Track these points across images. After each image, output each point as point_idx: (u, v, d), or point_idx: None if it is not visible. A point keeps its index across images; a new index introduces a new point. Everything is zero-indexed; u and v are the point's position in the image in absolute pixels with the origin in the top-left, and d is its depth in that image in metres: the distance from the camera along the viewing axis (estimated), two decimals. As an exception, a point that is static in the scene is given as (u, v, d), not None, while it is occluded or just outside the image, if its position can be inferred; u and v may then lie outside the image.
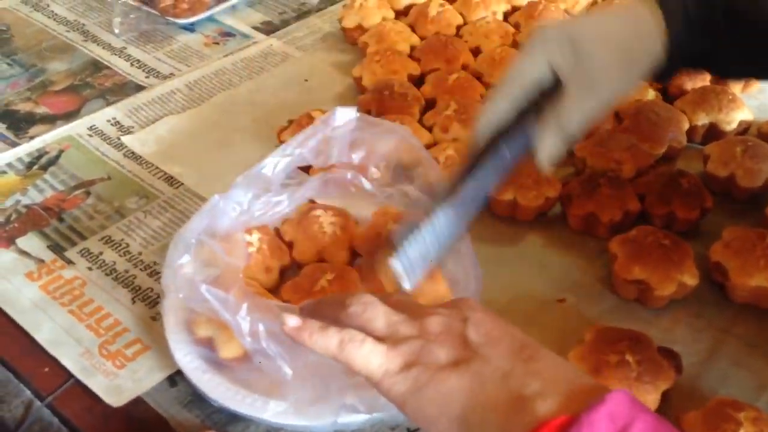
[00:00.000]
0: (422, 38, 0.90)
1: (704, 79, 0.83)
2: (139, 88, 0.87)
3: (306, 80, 0.88)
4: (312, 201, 0.66)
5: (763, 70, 0.61)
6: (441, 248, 0.49)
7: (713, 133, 0.77)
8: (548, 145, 0.53)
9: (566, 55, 0.53)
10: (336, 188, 0.65)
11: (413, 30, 0.92)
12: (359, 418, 0.50)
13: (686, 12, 0.55)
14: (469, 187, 0.51)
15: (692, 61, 0.59)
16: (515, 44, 0.89)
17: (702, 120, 0.77)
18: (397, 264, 0.47)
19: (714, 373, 0.57)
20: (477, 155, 0.53)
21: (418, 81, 0.85)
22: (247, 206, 0.62)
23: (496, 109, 0.54)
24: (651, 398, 0.51)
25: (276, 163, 0.62)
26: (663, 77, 0.58)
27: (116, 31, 0.96)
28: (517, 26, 0.92)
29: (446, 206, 0.50)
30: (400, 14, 0.96)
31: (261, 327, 0.48)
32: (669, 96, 0.82)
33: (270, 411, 0.51)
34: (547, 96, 0.54)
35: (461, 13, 0.94)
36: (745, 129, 0.78)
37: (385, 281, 0.49)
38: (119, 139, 0.79)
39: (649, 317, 0.61)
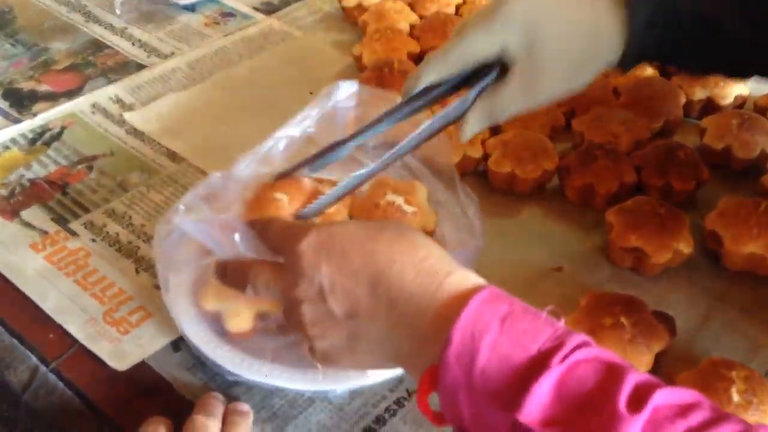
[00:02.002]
0: (421, 17, 0.91)
1: (701, 56, 0.83)
2: (141, 67, 0.88)
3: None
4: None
5: (723, 69, 0.60)
6: (346, 188, 0.54)
7: (710, 107, 0.78)
8: (474, 122, 0.53)
9: (522, 45, 0.51)
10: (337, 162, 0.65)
11: (413, 9, 0.92)
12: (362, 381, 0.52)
13: (652, 15, 0.51)
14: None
15: (650, 58, 0.59)
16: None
17: (699, 95, 0.78)
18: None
19: (707, 337, 0.58)
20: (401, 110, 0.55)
21: (417, 59, 0.86)
22: (251, 185, 0.61)
23: (435, 72, 0.53)
24: (645, 359, 0.52)
25: (279, 142, 0.62)
26: (621, 68, 0.55)
27: (117, 11, 0.97)
28: (515, 5, 0.93)
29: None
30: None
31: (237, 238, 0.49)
32: (666, 71, 0.82)
33: (275, 376, 0.52)
34: (486, 71, 0.53)
35: (461, -7, 0.94)
36: (741, 103, 0.78)
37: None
38: (121, 115, 0.80)
39: (644, 284, 0.62)
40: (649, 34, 0.52)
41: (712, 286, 0.62)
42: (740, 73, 0.62)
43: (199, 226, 0.51)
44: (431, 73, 0.53)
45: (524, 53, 0.51)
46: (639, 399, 0.33)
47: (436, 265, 0.40)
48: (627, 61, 0.53)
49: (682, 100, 0.77)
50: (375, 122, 0.55)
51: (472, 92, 0.53)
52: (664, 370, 0.54)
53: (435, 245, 0.42)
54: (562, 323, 0.37)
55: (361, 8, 0.93)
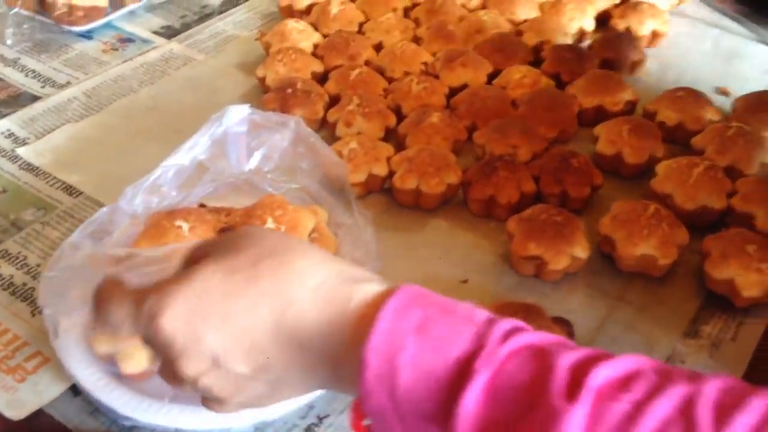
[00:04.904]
0: (325, 36, 0.92)
1: (593, 65, 0.87)
2: (35, 98, 0.85)
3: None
4: (202, 205, 0.63)
5: None
6: None
7: (602, 114, 0.81)
8: None
9: None
10: (228, 188, 0.64)
11: (315, 28, 0.92)
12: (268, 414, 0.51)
13: None
14: None
15: None
16: (415, 39, 0.92)
17: (591, 103, 0.81)
18: None
19: (606, 337, 0.60)
20: None
21: (322, 78, 0.86)
22: (142, 216, 0.60)
23: None
24: (546, 365, 0.54)
25: (168, 171, 0.60)
26: None
27: (8, 42, 0.93)
28: (417, 21, 0.95)
29: None
30: (303, 14, 0.96)
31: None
32: (561, 83, 0.85)
33: (174, 417, 0.50)
34: None
35: (363, 11, 0.95)
36: (630, 108, 0.82)
37: None
38: (14, 151, 0.77)
39: (546, 291, 0.64)
40: None
41: (610, 288, 0.64)
42: None
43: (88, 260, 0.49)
44: None
45: None
46: (576, 383, 0.30)
47: (333, 291, 0.36)
48: None
49: (576, 109, 0.80)
50: None
51: None
52: (566, 374, 0.56)
53: (319, 254, 0.38)
54: (482, 313, 0.34)
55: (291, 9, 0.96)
